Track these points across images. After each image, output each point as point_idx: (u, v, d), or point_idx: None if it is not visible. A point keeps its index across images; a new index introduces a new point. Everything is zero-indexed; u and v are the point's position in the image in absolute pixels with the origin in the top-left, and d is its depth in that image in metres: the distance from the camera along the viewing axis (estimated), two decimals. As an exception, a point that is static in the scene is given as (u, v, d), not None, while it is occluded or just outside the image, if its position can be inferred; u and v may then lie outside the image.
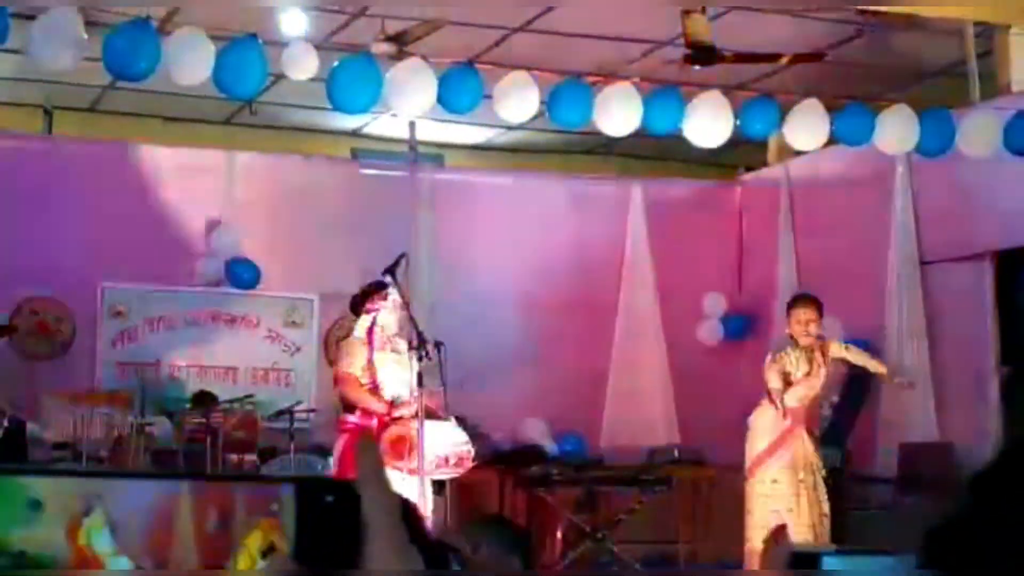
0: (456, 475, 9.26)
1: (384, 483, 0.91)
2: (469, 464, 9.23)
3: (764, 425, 9.77)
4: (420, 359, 9.72)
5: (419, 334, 9.79)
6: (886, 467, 11.22)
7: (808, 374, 9.61)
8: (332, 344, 12.60)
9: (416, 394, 9.34)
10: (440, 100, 9.42)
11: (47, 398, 11.23)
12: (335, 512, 0.90)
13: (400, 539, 0.90)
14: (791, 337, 9.61)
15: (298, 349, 12.60)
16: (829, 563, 1.00)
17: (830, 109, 10.14)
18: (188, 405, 11.40)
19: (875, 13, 10.38)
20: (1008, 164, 10.19)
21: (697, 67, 10.30)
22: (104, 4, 8.61)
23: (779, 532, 9.06)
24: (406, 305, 9.92)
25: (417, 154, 13.12)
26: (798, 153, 12.03)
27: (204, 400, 11.39)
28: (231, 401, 11.43)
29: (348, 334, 9.85)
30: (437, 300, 12.16)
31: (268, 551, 0.91)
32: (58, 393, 11.29)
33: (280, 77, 10.07)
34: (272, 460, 11.03)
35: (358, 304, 9.56)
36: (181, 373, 12.14)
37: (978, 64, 11.10)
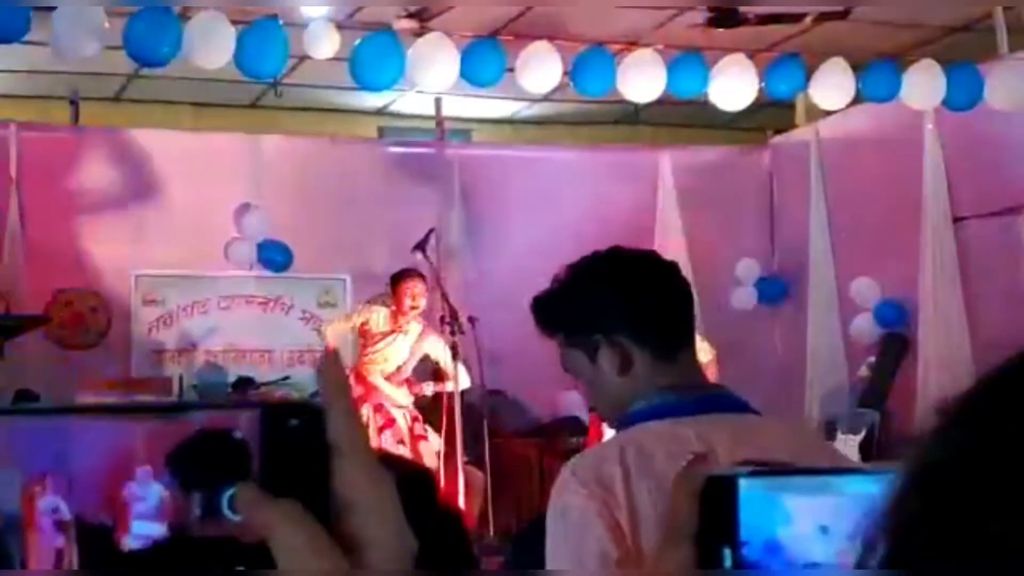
0: None
1: (349, 401, 0.89)
2: None
3: None
4: (453, 333, 9.78)
5: (451, 309, 9.83)
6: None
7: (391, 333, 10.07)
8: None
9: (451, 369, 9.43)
10: (463, 74, 9.43)
11: (83, 387, 11.28)
12: (301, 435, 0.88)
13: (368, 459, 0.88)
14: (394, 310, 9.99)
15: (332, 330, 12.62)
16: (746, 486, 0.96)
17: (856, 67, 10.08)
18: (229, 390, 11.44)
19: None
20: (1037, 116, 10.13)
21: (720, 30, 10.26)
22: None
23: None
24: (438, 280, 9.96)
25: (444, 130, 13.11)
26: (827, 114, 11.98)
27: (243, 386, 11.45)
28: (268, 383, 11.48)
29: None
30: (470, 275, 12.15)
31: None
32: (94, 382, 11.34)
33: (304, 58, 10.08)
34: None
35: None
36: (217, 358, 12.17)
37: (1004, 16, 11.00)
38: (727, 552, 0.96)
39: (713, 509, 0.98)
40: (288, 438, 0.87)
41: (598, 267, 2.98)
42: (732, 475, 0.99)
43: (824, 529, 0.98)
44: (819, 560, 0.97)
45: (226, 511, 0.88)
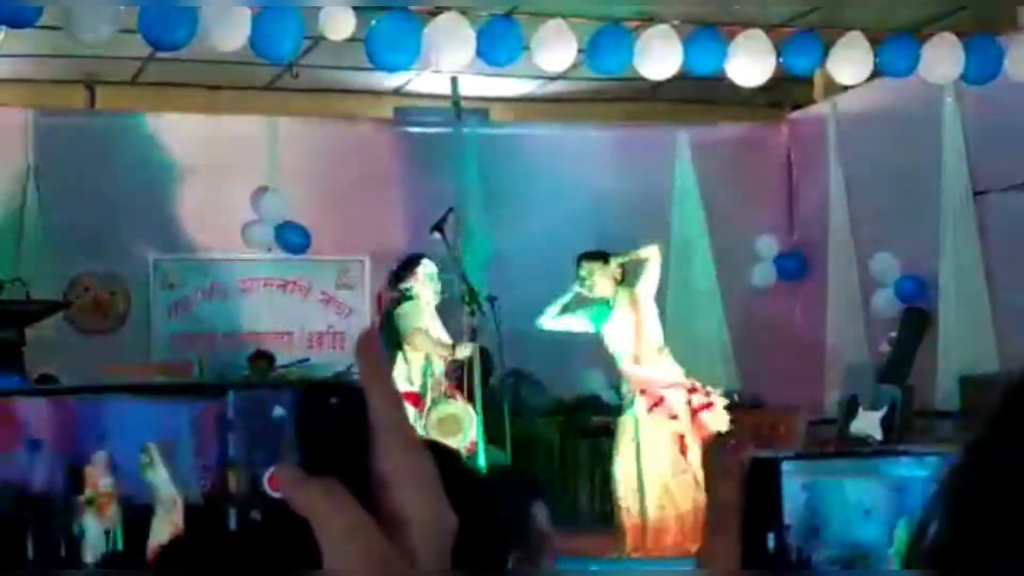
0: None
1: (388, 379, 0.88)
2: None
3: None
4: (472, 314, 9.74)
5: (470, 289, 9.80)
6: (948, 401, 11.13)
7: None
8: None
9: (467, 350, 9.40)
10: (479, 53, 9.40)
11: (103, 372, 11.28)
12: (341, 414, 0.87)
13: (408, 436, 0.87)
14: None
15: (351, 311, 12.60)
16: (789, 469, 0.95)
17: (873, 41, 10.03)
18: (246, 371, 11.43)
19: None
20: (1057, 87, 10.07)
21: (737, 6, 10.22)
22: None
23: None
24: (457, 261, 9.93)
25: (460, 110, 13.07)
26: (845, 89, 11.92)
27: (261, 359, 11.45)
28: (287, 365, 11.47)
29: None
30: (489, 255, 12.13)
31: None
32: (114, 367, 11.35)
33: (320, 39, 10.05)
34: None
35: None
36: (236, 341, 12.18)
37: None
38: (770, 536, 0.96)
39: (756, 492, 0.97)
40: (328, 417, 0.87)
41: None
42: (775, 458, 0.98)
43: (867, 511, 0.97)
44: (862, 542, 0.95)
45: (267, 490, 0.88)
